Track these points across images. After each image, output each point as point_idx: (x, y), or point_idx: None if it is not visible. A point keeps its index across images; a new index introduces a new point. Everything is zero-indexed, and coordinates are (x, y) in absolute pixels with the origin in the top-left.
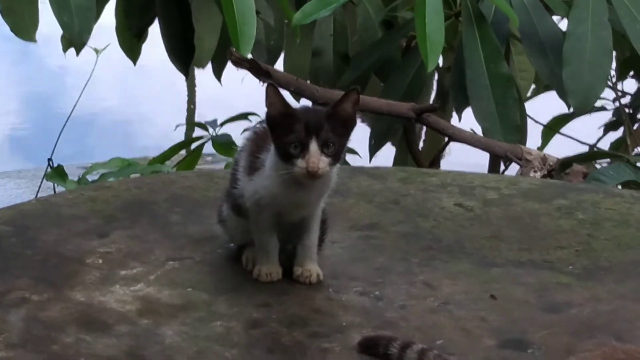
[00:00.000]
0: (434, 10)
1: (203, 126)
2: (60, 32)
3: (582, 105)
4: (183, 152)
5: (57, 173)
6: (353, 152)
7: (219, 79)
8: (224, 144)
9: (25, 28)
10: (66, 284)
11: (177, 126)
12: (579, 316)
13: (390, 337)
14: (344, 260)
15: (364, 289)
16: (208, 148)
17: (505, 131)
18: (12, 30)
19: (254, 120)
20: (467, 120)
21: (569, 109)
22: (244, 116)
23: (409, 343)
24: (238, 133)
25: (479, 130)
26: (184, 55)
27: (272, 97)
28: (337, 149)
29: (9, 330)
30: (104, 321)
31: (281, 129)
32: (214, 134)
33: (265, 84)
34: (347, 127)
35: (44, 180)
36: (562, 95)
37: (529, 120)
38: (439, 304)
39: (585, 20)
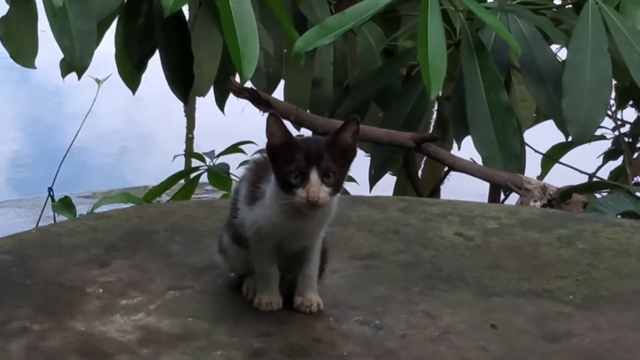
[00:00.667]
0: (436, 37)
1: (200, 157)
2: (59, 58)
3: (582, 135)
4: (182, 181)
5: (64, 204)
6: (351, 179)
7: (222, 108)
8: (219, 176)
9: (25, 54)
10: (67, 314)
11: (174, 157)
12: (580, 346)
13: None
14: (345, 290)
15: (365, 318)
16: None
17: (505, 160)
18: (11, 56)
19: (250, 152)
20: (467, 150)
21: (566, 138)
22: (238, 149)
23: None
24: (236, 163)
25: (478, 160)
26: (183, 84)
27: (274, 127)
28: (337, 179)
29: None
30: (105, 351)
31: (281, 159)
32: (211, 164)
33: (266, 114)
34: (348, 157)
35: (45, 209)
36: (561, 125)
37: (528, 149)
38: (440, 334)
39: (584, 49)
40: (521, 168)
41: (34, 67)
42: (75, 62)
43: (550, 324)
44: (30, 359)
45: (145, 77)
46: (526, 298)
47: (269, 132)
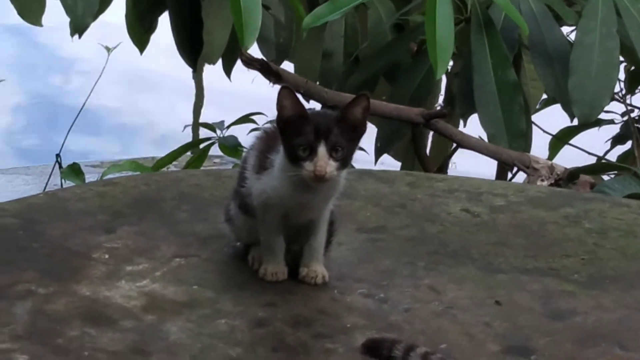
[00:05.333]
0: (445, 16)
1: (210, 127)
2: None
3: (587, 116)
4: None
5: (73, 171)
6: (360, 149)
7: (229, 75)
8: (230, 146)
9: (32, 12)
10: (72, 278)
11: (185, 127)
12: (583, 324)
13: (394, 339)
14: (350, 262)
15: (369, 291)
16: (216, 150)
17: (510, 138)
18: (19, 13)
19: (260, 122)
20: (474, 127)
21: (571, 120)
22: (249, 119)
23: (412, 346)
24: (245, 135)
25: (485, 138)
26: (191, 49)
27: (286, 100)
28: (345, 154)
29: (15, 322)
30: (109, 316)
31: (291, 131)
32: (221, 135)
33: (274, 85)
34: (357, 133)
35: (52, 176)
36: (567, 107)
37: (538, 131)
38: (444, 308)
39: (593, 30)
40: (527, 146)
41: (40, 24)
42: (76, 21)
43: (554, 302)
44: (35, 322)
45: (156, 46)
46: (531, 276)
47: (280, 105)
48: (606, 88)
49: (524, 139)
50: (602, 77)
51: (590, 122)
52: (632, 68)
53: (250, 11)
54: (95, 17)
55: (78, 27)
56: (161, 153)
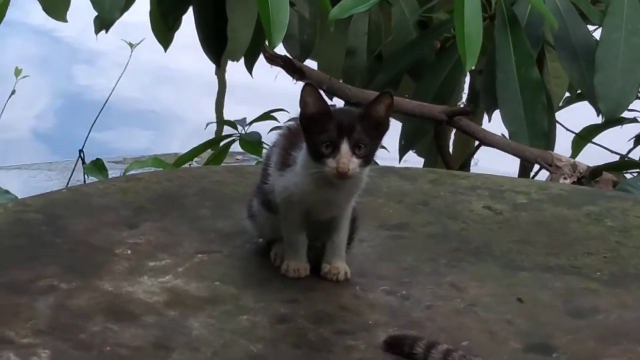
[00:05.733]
0: (473, 10)
1: (232, 124)
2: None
3: (613, 111)
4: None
5: (96, 167)
6: (382, 147)
7: (250, 71)
8: (252, 143)
9: (56, 7)
10: (95, 274)
11: (207, 124)
12: (605, 322)
13: (416, 336)
14: (372, 259)
15: (391, 288)
16: (238, 146)
17: (531, 136)
18: (44, 9)
19: (282, 118)
20: (497, 124)
21: (598, 115)
22: (270, 116)
23: (434, 343)
24: (266, 131)
25: (507, 135)
26: (215, 46)
27: (309, 97)
28: (368, 151)
29: (37, 317)
30: (132, 311)
31: (314, 128)
32: (242, 132)
33: (297, 82)
34: (380, 130)
35: (74, 172)
36: (593, 102)
37: (561, 129)
38: (466, 306)
39: (619, 27)
40: (549, 145)
41: (65, 20)
42: (104, 15)
43: (576, 299)
44: (57, 317)
45: (180, 43)
46: (553, 273)
47: (304, 102)
48: (632, 84)
49: (545, 138)
50: (627, 74)
51: (615, 118)
52: None
53: (278, 8)
54: (121, 12)
55: (105, 22)
56: (184, 150)
